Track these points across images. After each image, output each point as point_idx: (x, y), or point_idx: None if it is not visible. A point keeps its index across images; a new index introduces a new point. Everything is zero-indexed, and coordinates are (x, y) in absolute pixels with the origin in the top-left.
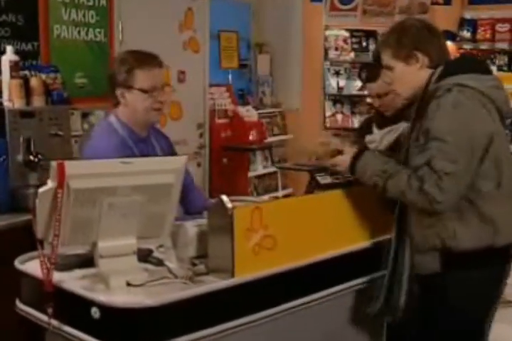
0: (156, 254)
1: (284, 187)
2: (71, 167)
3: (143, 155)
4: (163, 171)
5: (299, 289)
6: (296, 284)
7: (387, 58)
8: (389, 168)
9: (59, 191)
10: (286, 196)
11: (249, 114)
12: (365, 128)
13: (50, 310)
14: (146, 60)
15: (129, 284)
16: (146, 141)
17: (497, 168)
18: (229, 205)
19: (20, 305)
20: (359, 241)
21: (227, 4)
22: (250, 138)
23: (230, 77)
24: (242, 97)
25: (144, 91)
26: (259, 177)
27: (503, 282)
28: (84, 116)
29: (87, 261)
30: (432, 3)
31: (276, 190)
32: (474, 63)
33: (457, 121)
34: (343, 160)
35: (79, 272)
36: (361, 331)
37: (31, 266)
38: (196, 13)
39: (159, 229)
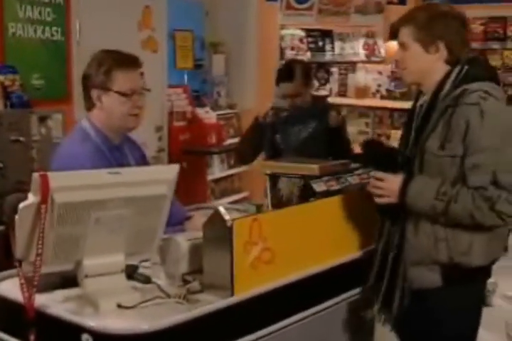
0: (140, 270)
1: (239, 191)
2: (55, 179)
3: (118, 163)
4: (155, 182)
5: (298, 303)
6: (295, 298)
7: (406, 36)
8: (447, 189)
9: (42, 206)
10: (259, 206)
11: (208, 115)
12: (270, 124)
13: (32, 338)
14: (127, 60)
15: (119, 306)
16: (119, 149)
17: None
18: (227, 217)
19: None
20: (357, 249)
21: (180, 2)
22: (209, 140)
23: (185, 77)
24: (197, 98)
25: (123, 94)
26: (216, 180)
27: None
28: (42, 120)
29: (68, 280)
30: (388, 3)
31: (233, 193)
32: (491, 71)
33: (506, 128)
34: (391, 187)
35: (60, 293)
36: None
37: (6, 286)
38: (154, 11)
39: (148, 244)
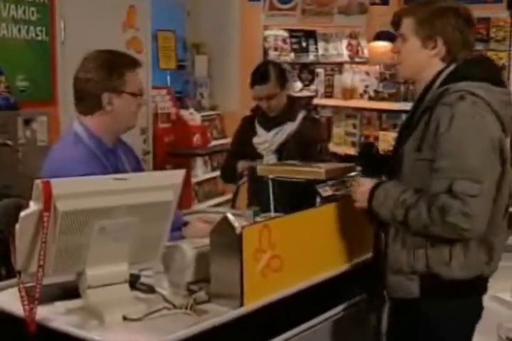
0: (143, 279)
1: (223, 193)
2: (58, 186)
3: (113, 168)
4: (161, 188)
5: (308, 310)
6: (305, 305)
7: (406, 27)
8: (407, 197)
9: (45, 214)
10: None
11: (192, 117)
12: (248, 129)
13: None
14: (132, 60)
15: (125, 318)
16: (114, 152)
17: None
18: (236, 224)
19: None
20: (364, 254)
21: (162, 3)
22: (194, 142)
23: (168, 78)
24: (179, 100)
25: (135, 94)
26: (199, 183)
27: (479, 315)
28: (27, 122)
29: (68, 291)
30: (371, 4)
31: (216, 196)
32: (489, 71)
33: (474, 134)
34: (363, 192)
35: (61, 305)
36: None
37: (3, 298)
38: (138, 11)
39: (153, 252)
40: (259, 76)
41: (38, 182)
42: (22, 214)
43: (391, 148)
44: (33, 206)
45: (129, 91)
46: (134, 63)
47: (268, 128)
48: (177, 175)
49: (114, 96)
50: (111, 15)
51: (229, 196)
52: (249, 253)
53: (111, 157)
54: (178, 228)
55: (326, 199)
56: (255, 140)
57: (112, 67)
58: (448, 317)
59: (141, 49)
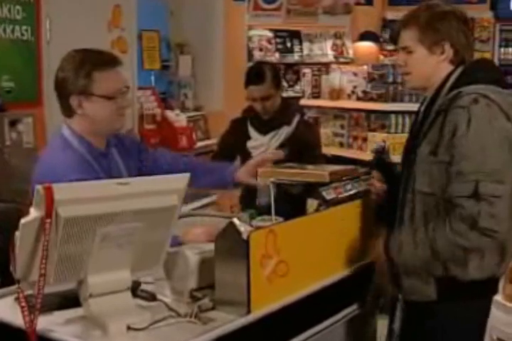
0: (143, 286)
1: (207, 195)
2: (60, 191)
3: (107, 173)
4: (165, 192)
5: (314, 315)
6: (311, 311)
7: (409, 38)
8: (422, 234)
9: (47, 221)
10: (252, 214)
11: (178, 118)
12: (239, 131)
13: None
14: (105, 59)
15: (129, 328)
16: (106, 155)
17: None
18: (242, 229)
19: None
20: (367, 257)
21: (145, 2)
22: (180, 144)
23: (152, 79)
24: (163, 100)
25: (107, 97)
26: None
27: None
28: (12, 124)
29: (66, 300)
30: (355, 4)
31: (201, 197)
32: (495, 73)
33: (492, 136)
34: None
35: (60, 315)
36: None
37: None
38: (124, 11)
39: (155, 258)
40: (255, 76)
41: (39, 187)
42: (22, 221)
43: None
44: (34, 212)
45: (98, 93)
46: (107, 62)
47: (263, 131)
48: (181, 180)
49: (84, 99)
50: (96, 15)
51: (214, 198)
52: (255, 258)
53: (103, 161)
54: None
55: (330, 202)
56: (250, 144)
57: (78, 68)
58: (463, 318)
59: (126, 49)
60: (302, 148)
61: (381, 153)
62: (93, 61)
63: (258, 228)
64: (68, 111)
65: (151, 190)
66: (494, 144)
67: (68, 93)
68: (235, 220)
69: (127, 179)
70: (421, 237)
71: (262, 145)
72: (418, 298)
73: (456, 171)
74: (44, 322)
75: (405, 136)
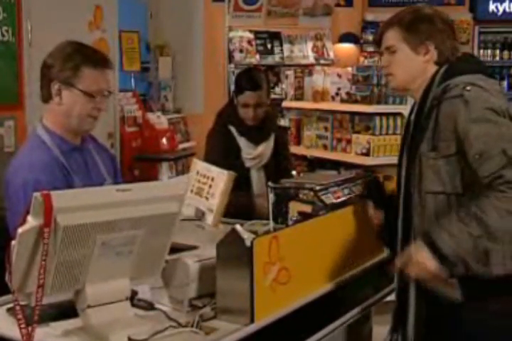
0: (140, 295)
1: None
2: (59, 198)
3: (78, 165)
4: (165, 199)
5: (317, 322)
6: (314, 317)
7: (393, 38)
8: (463, 211)
9: (46, 230)
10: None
11: (159, 121)
12: (230, 141)
13: None
14: (98, 59)
15: (130, 339)
16: (81, 149)
17: None
18: (245, 236)
19: None
20: (369, 260)
21: (124, 3)
22: (162, 146)
23: (132, 81)
24: (143, 103)
25: (87, 94)
26: None
27: None
28: None
29: (63, 310)
30: (335, 5)
31: None
32: (479, 65)
33: (495, 111)
34: (421, 263)
35: (57, 326)
36: None
37: None
38: (104, 12)
39: (154, 266)
40: (253, 82)
41: (37, 195)
42: (20, 230)
43: (364, 151)
44: (32, 221)
45: (80, 88)
46: (98, 62)
47: (255, 141)
48: (181, 185)
49: (64, 88)
50: (77, 16)
51: None
52: (259, 266)
53: (77, 155)
54: None
55: (329, 207)
56: (246, 155)
57: (68, 58)
58: (490, 315)
59: (108, 50)
60: (280, 149)
61: (374, 184)
62: (85, 56)
63: (264, 234)
64: (46, 96)
65: (151, 196)
66: (499, 114)
67: (51, 78)
68: (237, 227)
69: (127, 185)
70: (462, 215)
71: (259, 156)
72: (441, 300)
73: (476, 153)
74: (41, 334)
75: (390, 137)
